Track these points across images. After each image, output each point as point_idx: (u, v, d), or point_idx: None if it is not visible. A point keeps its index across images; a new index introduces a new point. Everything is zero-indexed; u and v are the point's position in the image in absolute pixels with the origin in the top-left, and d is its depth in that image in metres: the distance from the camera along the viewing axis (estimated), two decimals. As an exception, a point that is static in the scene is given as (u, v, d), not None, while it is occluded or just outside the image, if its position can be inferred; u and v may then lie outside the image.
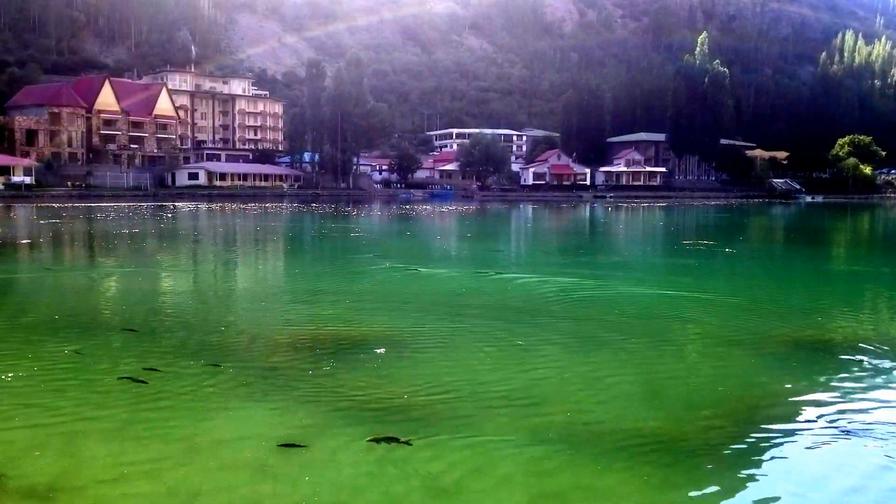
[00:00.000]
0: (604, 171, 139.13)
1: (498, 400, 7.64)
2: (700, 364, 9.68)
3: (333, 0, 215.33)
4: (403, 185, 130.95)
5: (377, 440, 6.29)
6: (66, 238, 32.66)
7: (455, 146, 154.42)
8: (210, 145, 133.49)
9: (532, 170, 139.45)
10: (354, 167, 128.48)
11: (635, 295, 15.85)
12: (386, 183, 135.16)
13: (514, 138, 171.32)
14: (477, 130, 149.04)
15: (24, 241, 29.40)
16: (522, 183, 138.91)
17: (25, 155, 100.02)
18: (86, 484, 5.48)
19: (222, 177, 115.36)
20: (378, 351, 9.56)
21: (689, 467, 5.97)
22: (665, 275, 21.17)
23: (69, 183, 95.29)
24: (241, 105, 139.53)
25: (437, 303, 14.26)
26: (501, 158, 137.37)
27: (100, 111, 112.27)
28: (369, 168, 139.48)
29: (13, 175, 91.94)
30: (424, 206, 78.61)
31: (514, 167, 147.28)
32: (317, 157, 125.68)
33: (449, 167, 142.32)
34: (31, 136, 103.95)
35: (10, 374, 8.28)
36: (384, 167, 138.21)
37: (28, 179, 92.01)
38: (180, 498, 5.29)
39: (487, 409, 7.34)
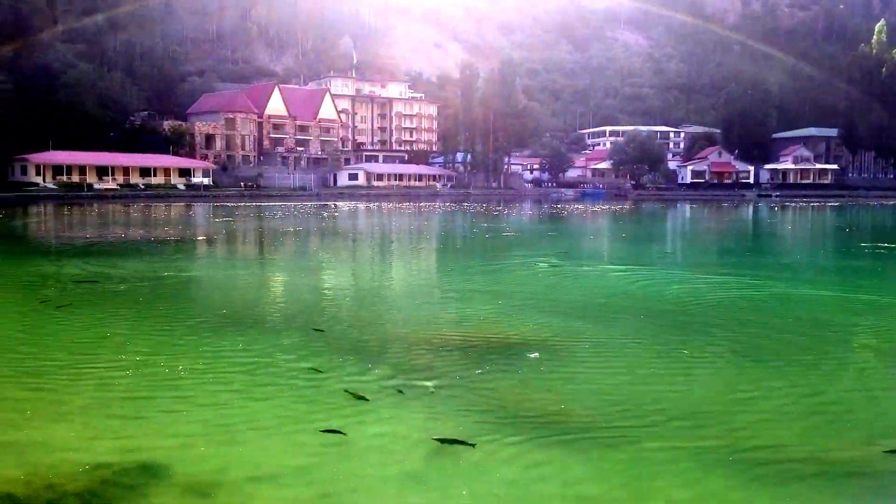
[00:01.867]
0: (769, 169, 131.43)
1: (656, 413, 7.29)
2: (885, 381, 8.88)
3: (488, 1, 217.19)
4: (554, 185, 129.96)
5: (529, 447, 6.21)
6: (237, 235, 35.03)
7: (608, 144, 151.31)
8: (369, 147, 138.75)
9: (690, 167, 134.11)
10: (505, 167, 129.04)
11: (806, 300, 14.85)
12: (537, 182, 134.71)
13: (671, 135, 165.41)
14: (631, 128, 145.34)
15: (201, 238, 31.87)
16: (679, 181, 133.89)
17: (204, 158, 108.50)
18: (242, 481, 5.61)
19: (379, 177, 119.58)
20: (531, 355, 9.43)
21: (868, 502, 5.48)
22: (839, 279, 19.69)
23: (242, 183, 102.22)
24: (397, 108, 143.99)
25: (592, 305, 13.99)
26: (657, 156, 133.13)
27: (270, 116, 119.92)
28: (520, 167, 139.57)
29: (193, 176, 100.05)
30: (576, 206, 77.65)
31: (671, 165, 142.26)
32: (469, 156, 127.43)
33: (601, 165, 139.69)
34: (209, 140, 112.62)
35: (181, 368, 8.80)
36: (535, 166, 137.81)
37: (206, 180, 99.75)
38: (333, 499, 5.38)
39: (645, 422, 7.02)
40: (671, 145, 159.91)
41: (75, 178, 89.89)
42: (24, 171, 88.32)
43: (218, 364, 9.05)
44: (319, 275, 19.53)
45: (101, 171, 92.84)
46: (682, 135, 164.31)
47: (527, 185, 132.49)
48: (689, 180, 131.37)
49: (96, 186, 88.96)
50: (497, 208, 68.36)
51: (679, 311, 13.22)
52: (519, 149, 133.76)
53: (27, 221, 45.78)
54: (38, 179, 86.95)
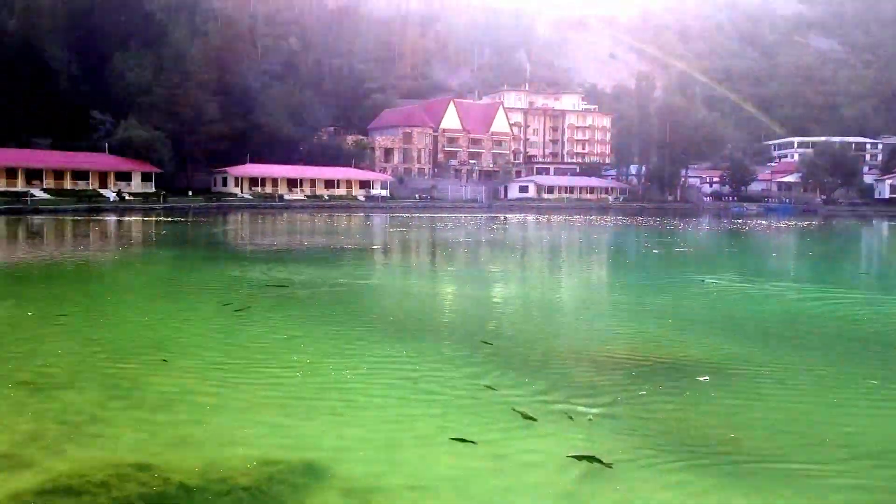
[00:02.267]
0: None
1: (840, 448, 6.73)
2: None
3: (667, 9, 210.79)
4: (735, 199, 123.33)
5: (691, 475, 5.98)
6: (410, 245, 36.31)
7: (796, 156, 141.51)
8: (540, 159, 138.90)
9: (889, 182, 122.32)
10: (682, 179, 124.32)
11: None
12: (716, 196, 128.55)
13: (867, 147, 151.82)
14: (823, 139, 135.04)
15: (376, 247, 33.39)
16: (876, 197, 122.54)
17: (383, 170, 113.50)
18: (399, 489, 5.74)
19: (550, 189, 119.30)
20: (701, 379, 9.06)
21: None
22: None
23: (416, 195, 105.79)
24: (570, 120, 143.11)
25: (771, 327, 13.22)
26: (851, 169, 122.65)
27: (444, 130, 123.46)
28: (698, 180, 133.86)
29: (372, 188, 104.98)
30: (759, 221, 73.25)
31: (867, 179, 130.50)
32: (643, 169, 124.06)
33: (788, 179, 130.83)
34: (387, 153, 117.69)
35: (348, 372, 9.21)
36: (715, 179, 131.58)
37: (384, 192, 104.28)
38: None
39: (827, 458, 6.49)
40: (867, 158, 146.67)
41: (268, 188, 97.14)
42: (225, 182, 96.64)
43: (384, 371, 9.38)
44: (488, 286, 19.78)
45: (291, 183, 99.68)
46: (880, 146, 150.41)
47: (705, 198, 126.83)
48: (887, 195, 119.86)
49: (286, 197, 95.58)
50: (672, 222, 66.03)
51: (871, 337, 12.19)
52: (697, 161, 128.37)
53: (225, 229, 50.01)
54: (237, 190, 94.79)
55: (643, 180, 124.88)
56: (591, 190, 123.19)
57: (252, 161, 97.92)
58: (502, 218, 72.74)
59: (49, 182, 79.28)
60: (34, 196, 71.97)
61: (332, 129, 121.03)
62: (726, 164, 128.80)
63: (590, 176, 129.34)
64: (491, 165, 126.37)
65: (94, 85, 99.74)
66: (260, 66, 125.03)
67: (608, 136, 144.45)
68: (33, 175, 78.75)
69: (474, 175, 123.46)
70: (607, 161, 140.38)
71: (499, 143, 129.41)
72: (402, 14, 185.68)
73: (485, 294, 18.15)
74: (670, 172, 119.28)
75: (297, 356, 10.05)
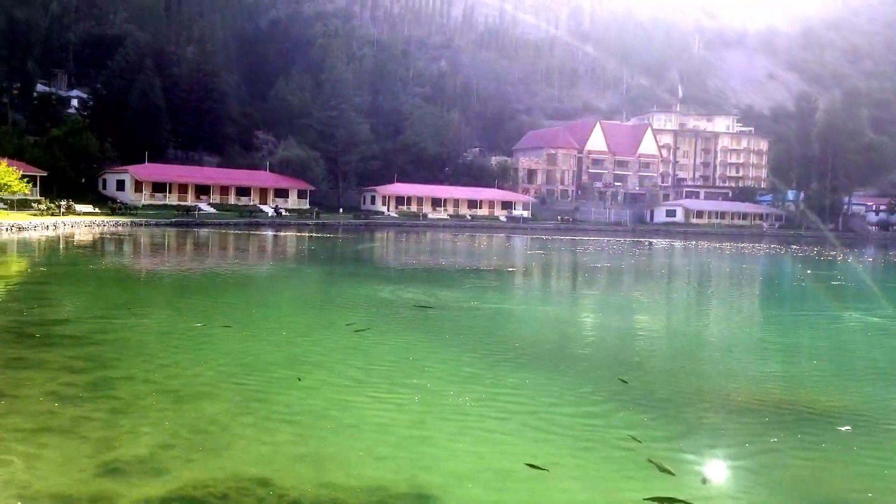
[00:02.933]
0: None
1: None
2: None
3: (831, 26, 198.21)
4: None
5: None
6: (549, 269, 36.06)
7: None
8: (689, 183, 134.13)
9: None
10: (845, 207, 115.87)
11: None
12: (883, 225, 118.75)
13: None
14: None
15: (514, 269, 33.41)
16: None
17: (525, 191, 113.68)
18: None
19: (699, 214, 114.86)
20: (842, 429, 8.45)
21: None
22: None
23: (558, 217, 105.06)
24: (723, 142, 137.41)
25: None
26: None
27: (590, 151, 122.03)
28: (863, 208, 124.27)
29: (514, 209, 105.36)
30: (935, 255, 66.94)
31: None
32: (801, 195, 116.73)
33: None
34: (531, 174, 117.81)
35: (469, 399, 9.22)
36: (882, 207, 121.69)
37: (525, 213, 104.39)
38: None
39: None
40: None
41: (413, 207, 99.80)
42: (373, 200, 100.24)
43: (507, 400, 9.28)
44: (627, 316, 19.15)
45: (435, 202, 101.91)
46: None
47: (870, 227, 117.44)
48: None
49: (430, 216, 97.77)
50: (831, 253, 61.68)
51: None
52: (862, 187, 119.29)
53: (371, 246, 51.81)
54: (384, 208, 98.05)
55: (801, 207, 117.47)
56: (744, 216, 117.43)
57: (399, 180, 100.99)
58: (647, 243, 70.72)
59: (215, 197, 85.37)
60: (201, 210, 77.70)
61: (477, 149, 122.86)
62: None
63: (743, 201, 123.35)
64: (637, 188, 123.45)
65: (259, 108, 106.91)
66: (410, 88, 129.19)
67: (764, 159, 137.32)
68: (202, 190, 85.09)
69: (619, 198, 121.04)
70: (763, 186, 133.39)
71: (646, 166, 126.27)
72: (551, 36, 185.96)
73: (625, 325, 17.59)
74: (832, 199, 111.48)
75: (419, 380, 10.22)
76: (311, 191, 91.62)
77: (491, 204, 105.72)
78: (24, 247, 34.58)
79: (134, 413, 8.12)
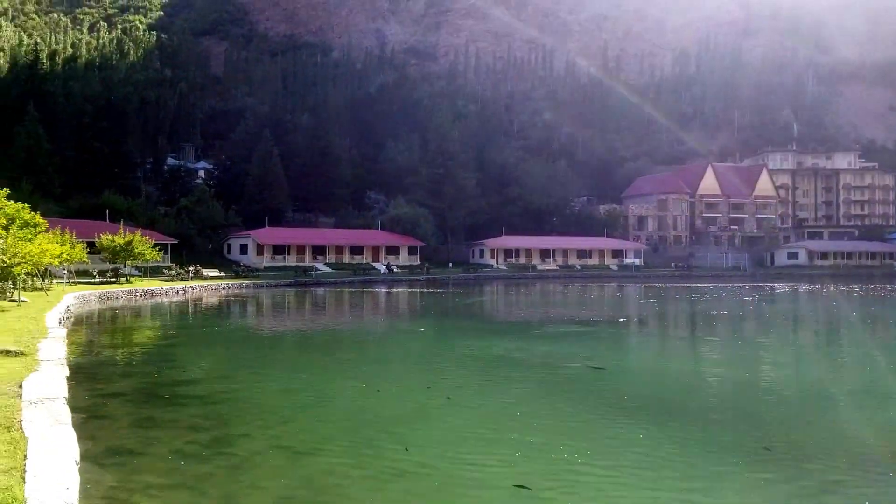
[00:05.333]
0: None
1: None
2: None
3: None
4: None
5: None
6: (663, 318, 35.06)
7: None
8: (811, 223, 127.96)
9: None
10: None
11: None
12: None
13: None
14: None
15: (625, 319, 32.72)
16: None
17: (636, 239, 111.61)
18: None
19: (824, 255, 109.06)
20: None
21: None
22: None
23: (672, 263, 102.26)
24: (845, 179, 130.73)
25: None
26: None
27: (702, 195, 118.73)
28: None
29: (625, 257, 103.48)
30: None
31: None
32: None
33: None
34: (641, 221, 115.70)
35: (578, 456, 9.13)
36: None
37: (637, 261, 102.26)
38: None
39: None
40: None
41: (522, 259, 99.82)
42: (482, 254, 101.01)
43: (626, 462, 9.01)
44: (757, 371, 18.06)
45: (544, 254, 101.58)
46: None
47: None
48: None
49: (539, 267, 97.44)
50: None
51: None
52: None
53: (481, 300, 52.09)
54: (492, 261, 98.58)
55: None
56: (873, 255, 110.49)
57: (507, 233, 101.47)
58: (769, 287, 67.63)
59: (331, 257, 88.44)
60: (318, 269, 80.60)
61: (584, 198, 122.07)
62: None
63: (871, 240, 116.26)
64: (755, 231, 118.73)
65: (369, 169, 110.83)
66: (515, 141, 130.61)
67: (891, 195, 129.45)
68: (318, 251, 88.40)
69: (736, 241, 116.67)
70: (891, 223, 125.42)
71: (763, 207, 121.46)
72: (656, 81, 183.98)
73: (756, 381, 16.44)
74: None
75: (529, 436, 10.20)
76: (421, 247, 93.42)
77: (601, 253, 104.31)
78: (157, 311, 36.90)
79: (253, 469, 8.54)
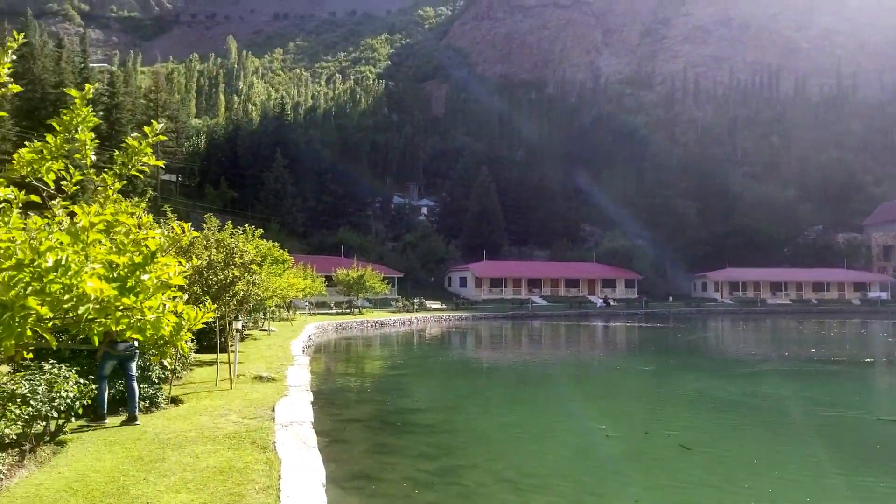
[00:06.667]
0: None
1: None
2: None
3: None
4: None
5: None
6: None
7: None
8: None
9: None
10: None
11: None
12: None
13: None
14: None
15: (870, 360, 29.70)
16: None
17: (881, 270, 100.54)
18: None
19: None
20: None
21: None
22: None
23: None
24: None
25: None
26: None
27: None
28: None
29: (869, 291, 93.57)
30: None
31: None
32: None
33: None
34: (887, 251, 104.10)
35: None
36: None
37: (883, 295, 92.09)
38: None
39: None
40: None
41: (749, 293, 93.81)
42: (704, 287, 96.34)
43: None
44: None
45: (774, 287, 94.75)
46: None
47: None
48: None
49: (769, 301, 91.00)
50: None
51: None
52: None
53: (705, 336, 49.73)
54: (716, 295, 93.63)
55: None
56: None
57: (732, 264, 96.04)
58: None
59: (546, 290, 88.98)
60: (534, 302, 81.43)
61: (819, 227, 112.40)
62: None
63: None
64: None
65: (583, 201, 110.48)
66: (739, 168, 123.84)
67: None
68: (534, 284, 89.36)
69: None
70: None
71: None
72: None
73: None
74: None
75: (769, 486, 9.79)
76: (638, 279, 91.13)
77: (840, 286, 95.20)
78: (386, 341, 39.38)
79: (478, 500, 9.00)
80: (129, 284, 3.50)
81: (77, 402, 8.21)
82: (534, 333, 48.42)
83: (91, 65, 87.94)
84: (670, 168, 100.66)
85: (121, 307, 3.49)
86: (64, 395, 7.96)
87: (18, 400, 7.53)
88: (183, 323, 3.84)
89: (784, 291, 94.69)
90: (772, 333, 50.31)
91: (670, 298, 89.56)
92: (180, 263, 3.79)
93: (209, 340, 18.35)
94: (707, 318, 72.33)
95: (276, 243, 32.16)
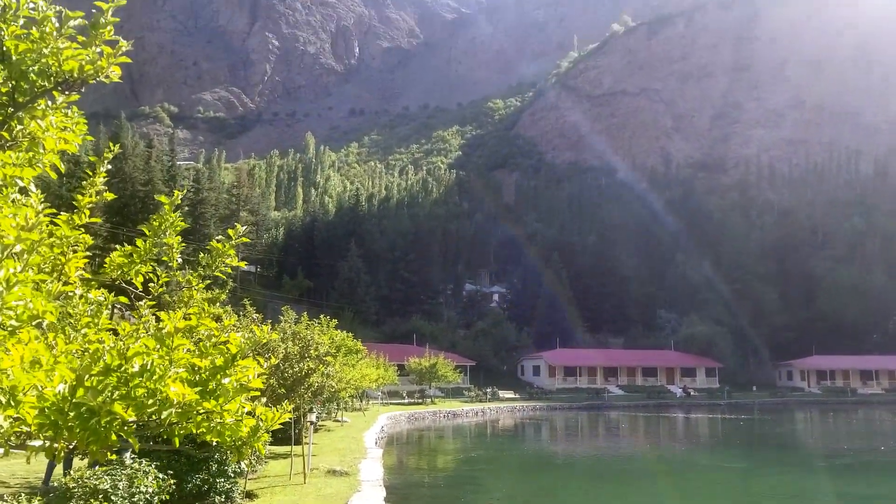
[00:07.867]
0: None
1: None
2: None
3: None
4: None
5: None
6: None
7: None
8: None
9: None
10: None
11: None
12: None
13: None
14: None
15: None
16: None
17: None
18: None
19: None
20: None
21: None
22: None
23: None
24: None
25: None
26: None
27: None
28: None
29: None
30: None
31: None
32: None
33: None
34: None
35: None
36: None
37: None
38: None
39: None
40: None
41: (838, 382, 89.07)
42: (790, 375, 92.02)
43: None
44: None
45: (865, 375, 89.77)
46: None
47: None
48: None
49: (860, 391, 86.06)
50: None
51: None
52: None
53: (793, 428, 47.23)
54: (803, 384, 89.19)
55: None
56: None
57: (818, 352, 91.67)
58: None
59: (622, 378, 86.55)
60: (610, 392, 79.14)
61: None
62: None
63: None
64: None
65: (659, 286, 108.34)
66: (821, 251, 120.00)
67: None
68: (609, 372, 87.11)
69: None
70: None
71: None
72: None
73: None
74: None
75: None
76: (719, 368, 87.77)
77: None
78: (458, 432, 38.74)
79: None
80: (209, 388, 3.53)
81: (156, 498, 8.26)
82: (611, 425, 46.89)
83: (178, 163, 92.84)
84: (749, 252, 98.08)
85: (201, 411, 3.51)
86: (143, 489, 8.02)
87: (101, 496, 7.63)
88: (260, 425, 3.84)
89: (875, 380, 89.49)
90: (865, 425, 47.43)
91: (754, 388, 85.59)
92: (259, 364, 3.82)
93: (284, 432, 18.39)
94: (794, 409, 68.91)
95: (350, 333, 32.42)
